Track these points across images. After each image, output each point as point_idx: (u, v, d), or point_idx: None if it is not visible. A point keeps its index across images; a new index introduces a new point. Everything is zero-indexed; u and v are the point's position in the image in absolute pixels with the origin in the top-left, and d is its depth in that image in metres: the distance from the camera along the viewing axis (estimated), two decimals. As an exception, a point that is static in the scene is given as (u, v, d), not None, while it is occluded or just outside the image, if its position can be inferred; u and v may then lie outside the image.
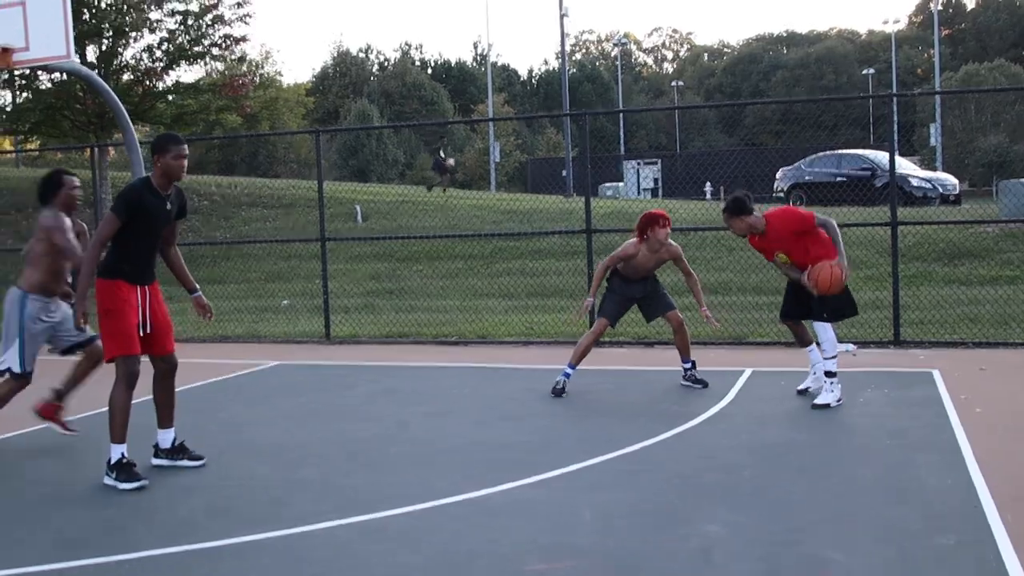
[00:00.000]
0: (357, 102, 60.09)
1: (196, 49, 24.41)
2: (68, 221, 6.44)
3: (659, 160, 50.00)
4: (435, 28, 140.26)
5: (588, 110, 13.10)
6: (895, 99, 11.76)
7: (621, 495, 5.19)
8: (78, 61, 18.04)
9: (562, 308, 13.05)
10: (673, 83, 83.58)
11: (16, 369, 6.42)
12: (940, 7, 63.61)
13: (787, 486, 5.30)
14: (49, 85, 23.31)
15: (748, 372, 8.78)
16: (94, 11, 23.09)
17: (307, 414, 7.69)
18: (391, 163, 56.92)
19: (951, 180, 24.26)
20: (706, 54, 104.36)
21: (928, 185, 22.67)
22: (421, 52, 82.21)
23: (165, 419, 6.05)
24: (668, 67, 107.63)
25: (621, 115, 68.69)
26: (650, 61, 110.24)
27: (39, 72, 21.32)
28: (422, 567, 4.23)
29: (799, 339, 7.79)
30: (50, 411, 6.83)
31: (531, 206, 19.42)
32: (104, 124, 23.16)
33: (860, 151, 25.77)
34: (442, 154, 29.88)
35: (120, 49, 23.90)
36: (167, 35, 24.11)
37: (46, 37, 9.09)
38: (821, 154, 25.90)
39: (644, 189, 44.26)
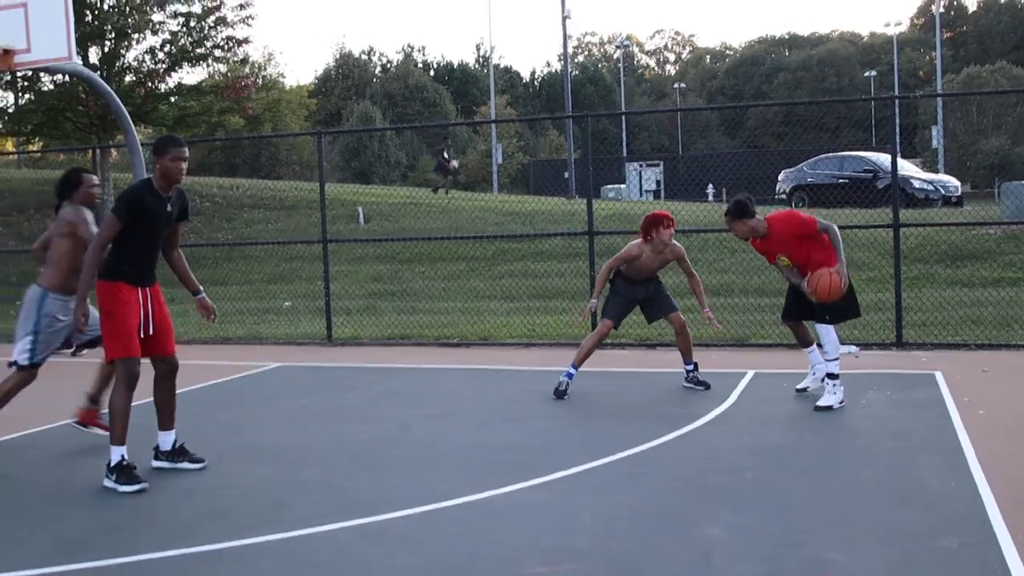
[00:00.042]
0: (360, 104, 60.17)
1: (198, 51, 24.45)
2: (90, 215, 6.48)
3: (661, 162, 49.97)
4: (438, 30, 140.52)
5: (590, 112, 13.09)
6: (897, 101, 11.74)
7: (623, 497, 5.17)
8: (80, 63, 18.06)
9: (564, 310, 13.05)
10: (675, 85, 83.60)
11: (23, 362, 6.41)
12: (942, 10, 63.55)
13: (789, 488, 5.28)
14: (51, 87, 23.34)
15: (750, 374, 8.76)
16: (96, 13, 23.13)
17: (308, 416, 7.67)
18: (393, 165, 56.97)
19: (953, 182, 24.22)
20: (708, 56, 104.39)
21: (930, 187, 22.64)
22: (424, 54, 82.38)
23: (166, 421, 6.03)
24: (670, 69, 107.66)
25: (623, 117, 68.75)
26: (652, 63, 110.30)
27: (41, 74, 21.36)
28: (423, 570, 4.21)
29: (800, 339, 7.79)
30: (91, 417, 6.81)
31: (533, 208, 19.43)
32: (106, 126, 23.19)
33: (862, 153, 25.75)
34: (446, 155, 29.85)
35: (122, 51, 23.93)
36: (169, 37, 24.16)
37: (48, 39, 9.09)
38: (823, 156, 25.86)
39: (646, 191, 44.23)
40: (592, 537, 4.57)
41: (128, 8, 23.42)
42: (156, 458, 6.04)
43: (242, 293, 15.98)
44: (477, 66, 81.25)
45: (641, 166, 48.38)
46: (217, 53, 24.94)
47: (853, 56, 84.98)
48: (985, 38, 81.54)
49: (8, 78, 22.51)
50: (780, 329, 9.74)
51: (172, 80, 24.95)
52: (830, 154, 26.30)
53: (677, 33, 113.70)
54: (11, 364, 6.45)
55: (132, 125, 10.68)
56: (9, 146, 29.41)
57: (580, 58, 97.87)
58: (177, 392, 6.07)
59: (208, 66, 26.09)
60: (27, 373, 6.46)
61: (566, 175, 33.55)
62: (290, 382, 9.45)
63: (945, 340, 10.30)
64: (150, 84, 24.20)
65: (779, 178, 25.59)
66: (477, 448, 6.43)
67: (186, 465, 5.99)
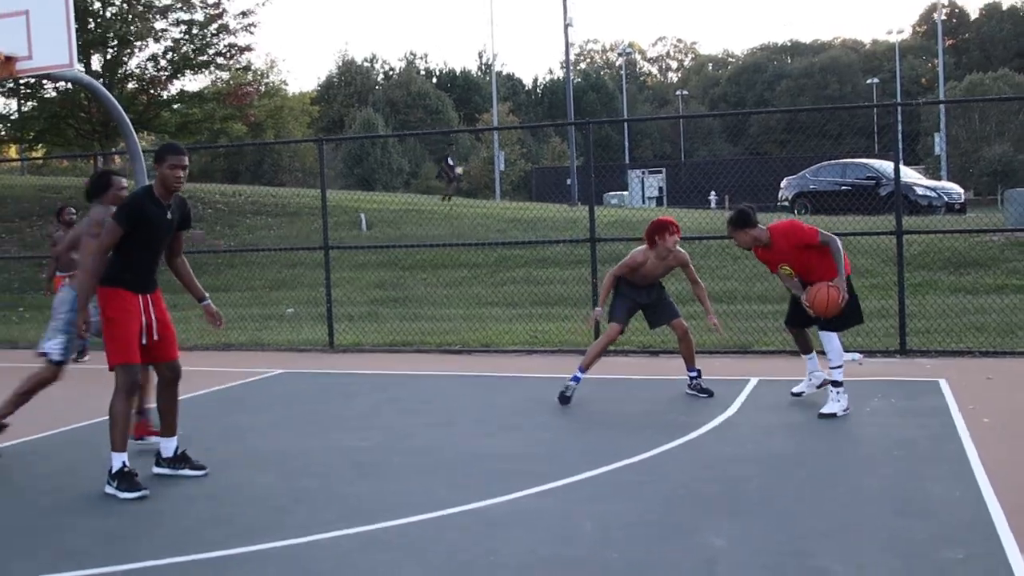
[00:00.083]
0: (362, 111, 60.21)
1: (201, 58, 24.50)
2: None
3: (664, 169, 49.99)
4: (440, 37, 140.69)
5: (593, 119, 13.07)
6: (899, 108, 11.77)
7: (625, 506, 5.14)
8: (82, 70, 18.09)
9: (566, 317, 13.02)
10: (677, 92, 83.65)
11: (56, 358, 6.47)
12: (944, 17, 63.59)
13: (793, 496, 5.25)
14: (54, 94, 23.39)
15: (754, 381, 8.74)
16: (99, 20, 23.19)
17: (310, 423, 7.66)
18: (396, 172, 57.00)
19: (956, 189, 24.20)
20: (710, 64, 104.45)
21: (933, 194, 22.61)
22: (426, 61, 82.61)
23: (168, 427, 6.02)
24: (672, 76, 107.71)
25: (626, 124, 68.86)
26: (654, 70, 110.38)
27: (44, 81, 21.40)
28: (425, 578, 4.19)
29: (800, 346, 7.79)
30: (143, 428, 6.76)
31: (536, 215, 19.41)
32: (108, 132, 23.23)
33: (865, 160, 25.75)
34: (451, 161, 29.86)
35: (125, 58, 23.99)
36: (172, 44, 24.21)
37: (49, 45, 9.08)
38: (826, 163, 25.88)
39: (649, 198, 44.22)
40: (593, 546, 4.54)
41: (131, 16, 23.47)
42: (158, 464, 6.02)
43: (244, 299, 15.97)
44: (479, 73, 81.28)
45: (643, 173, 48.38)
46: (219, 60, 25.02)
47: (855, 63, 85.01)
48: (987, 45, 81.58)
49: (11, 85, 22.54)
50: (783, 336, 9.72)
51: (174, 87, 25.04)
52: (832, 161, 26.31)
53: (679, 40, 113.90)
54: (42, 354, 6.49)
55: (133, 132, 10.68)
56: (12, 153, 29.45)
57: (582, 65, 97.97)
58: (180, 398, 6.06)
59: (210, 73, 26.15)
60: (58, 369, 6.51)
61: (568, 182, 33.55)
62: (292, 389, 9.43)
63: (949, 347, 10.27)
64: (152, 91, 24.27)
65: (781, 185, 25.59)
66: (478, 456, 6.40)
67: (188, 472, 5.98)
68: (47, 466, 6.49)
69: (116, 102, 10.86)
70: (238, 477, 5.98)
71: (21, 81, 21.43)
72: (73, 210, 12.09)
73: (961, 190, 24.72)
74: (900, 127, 11.56)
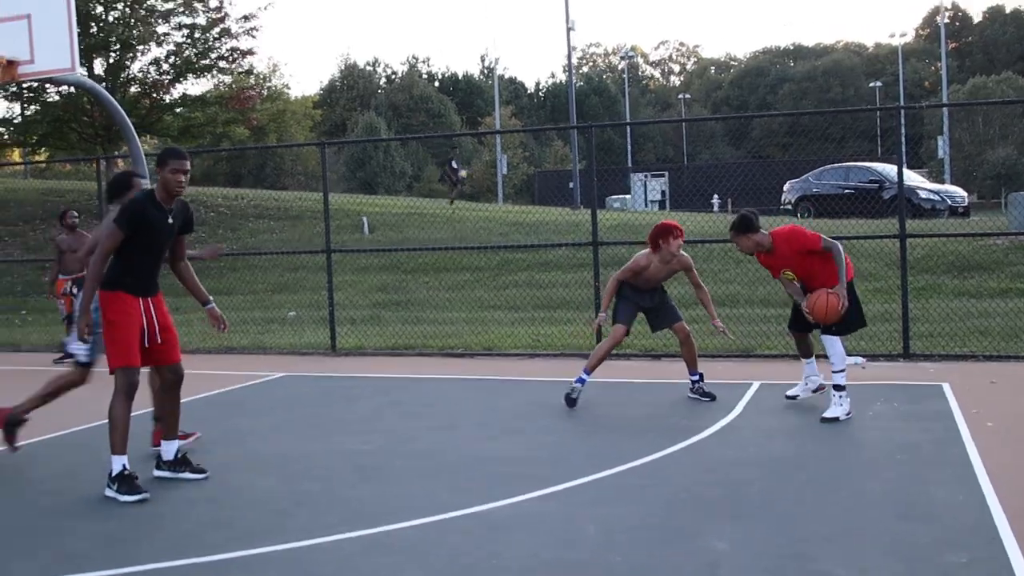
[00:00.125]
0: (364, 115, 60.28)
1: (203, 62, 24.51)
2: None
3: (666, 172, 49.97)
4: (442, 41, 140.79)
5: (595, 123, 13.05)
6: (902, 111, 11.72)
7: (627, 509, 5.13)
8: (84, 74, 18.12)
9: (569, 320, 13.01)
10: (680, 96, 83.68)
11: (83, 359, 6.46)
12: (947, 20, 63.59)
13: (795, 500, 5.24)
14: (57, 98, 23.42)
15: (756, 385, 8.72)
16: (102, 25, 23.22)
17: (312, 426, 7.65)
18: (398, 175, 57.01)
19: (960, 192, 24.18)
20: (713, 67, 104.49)
21: (936, 197, 22.60)
22: (428, 65, 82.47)
23: (169, 430, 6.01)
24: (675, 80, 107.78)
25: (628, 127, 68.77)
26: (657, 74, 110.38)
27: (47, 85, 21.43)
28: (426, 582, 4.18)
29: (801, 350, 7.78)
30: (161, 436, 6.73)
31: (538, 218, 19.40)
32: (111, 136, 23.26)
33: (868, 163, 25.74)
34: (454, 164, 29.86)
35: (128, 62, 24.01)
36: (174, 48, 24.22)
37: (51, 50, 9.11)
38: (829, 166, 25.87)
39: (651, 201, 44.14)
40: (596, 549, 4.53)
41: (133, 20, 23.50)
42: (158, 468, 6.01)
43: (246, 303, 15.97)
44: (482, 77, 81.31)
45: (646, 176, 48.34)
46: (222, 64, 25.02)
47: (858, 67, 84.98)
48: (991, 48, 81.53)
49: (14, 89, 22.58)
50: (786, 340, 9.70)
51: (177, 91, 25.05)
52: (835, 164, 26.30)
53: (682, 44, 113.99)
54: (67, 356, 6.49)
55: (135, 135, 10.69)
56: (15, 156, 29.50)
57: (585, 69, 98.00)
58: (181, 401, 6.05)
59: (213, 77, 26.17)
60: (85, 371, 6.49)
61: (571, 185, 33.53)
62: (294, 392, 9.42)
63: (953, 351, 10.25)
64: (155, 95, 24.28)
65: (784, 188, 25.58)
66: (481, 459, 6.39)
67: (188, 475, 5.97)
68: (47, 469, 6.48)
69: (118, 106, 10.89)
70: (239, 480, 5.97)
71: (24, 85, 21.47)
72: (75, 213, 12.11)
73: (965, 193, 24.71)
74: (903, 130, 11.53)
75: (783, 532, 4.69)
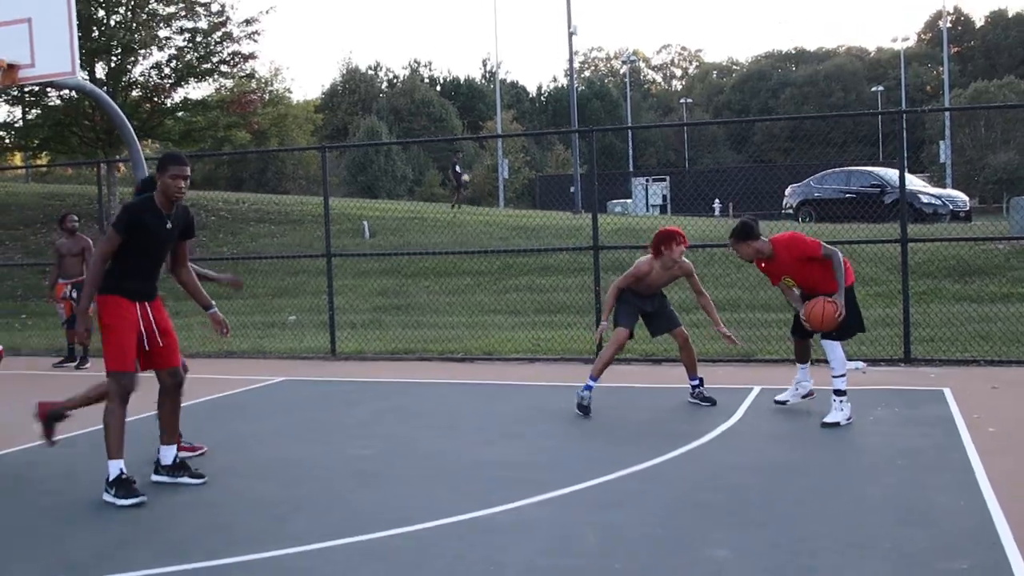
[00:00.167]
0: (366, 119, 60.31)
1: (204, 66, 24.49)
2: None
3: (668, 177, 49.98)
4: (444, 45, 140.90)
5: (597, 127, 13.04)
6: (904, 116, 11.71)
7: (627, 514, 5.11)
8: (85, 77, 18.11)
9: (569, 325, 13.00)
10: (682, 100, 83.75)
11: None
12: (949, 25, 63.57)
13: (795, 505, 5.22)
14: (58, 102, 23.42)
15: (757, 390, 8.70)
16: (103, 28, 23.21)
17: (311, 431, 7.63)
18: (400, 179, 57.01)
19: (961, 197, 24.16)
20: (715, 71, 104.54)
21: (938, 202, 22.59)
22: (430, 69, 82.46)
23: (168, 435, 6.00)
24: (677, 84, 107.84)
25: (630, 132, 68.71)
26: (659, 78, 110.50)
27: (48, 89, 21.43)
28: (424, 588, 4.16)
29: (799, 355, 7.77)
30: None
31: (539, 222, 19.41)
32: (112, 140, 23.24)
33: (869, 168, 25.71)
34: (457, 168, 29.86)
35: (129, 66, 23.98)
36: (176, 52, 24.21)
37: (51, 53, 9.11)
38: (830, 171, 25.84)
39: (653, 206, 44.16)
40: (595, 555, 4.51)
41: (135, 24, 23.50)
42: (156, 472, 6.00)
43: (247, 307, 15.95)
44: (483, 81, 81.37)
45: (647, 181, 48.33)
46: (223, 68, 24.98)
47: (860, 71, 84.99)
48: (993, 53, 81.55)
49: (15, 93, 22.58)
50: (787, 345, 9.68)
51: (178, 95, 25.02)
52: (837, 169, 26.27)
53: (684, 48, 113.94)
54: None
55: (136, 140, 10.68)
56: (16, 160, 29.50)
57: (586, 73, 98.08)
58: (181, 406, 6.04)
59: (214, 81, 26.14)
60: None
61: (572, 190, 33.53)
62: (293, 396, 9.41)
63: (954, 356, 10.22)
64: (156, 99, 24.26)
65: (786, 193, 25.57)
66: (480, 464, 6.37)
67: (186, 480, 5.95)
68: (45, 473, 6.46)
69: (119, 110, 10.87)
70: (238, 485, 5.95)
71: (25, 89, 21.45)
72: (75, 217, 12.11)
73: (966, 198, 24.69)
74: (905, 135, 11.51)
75: (784, 537, 4.67)
